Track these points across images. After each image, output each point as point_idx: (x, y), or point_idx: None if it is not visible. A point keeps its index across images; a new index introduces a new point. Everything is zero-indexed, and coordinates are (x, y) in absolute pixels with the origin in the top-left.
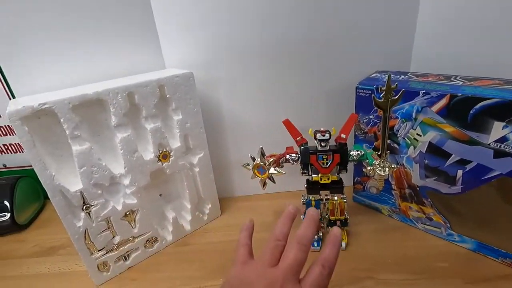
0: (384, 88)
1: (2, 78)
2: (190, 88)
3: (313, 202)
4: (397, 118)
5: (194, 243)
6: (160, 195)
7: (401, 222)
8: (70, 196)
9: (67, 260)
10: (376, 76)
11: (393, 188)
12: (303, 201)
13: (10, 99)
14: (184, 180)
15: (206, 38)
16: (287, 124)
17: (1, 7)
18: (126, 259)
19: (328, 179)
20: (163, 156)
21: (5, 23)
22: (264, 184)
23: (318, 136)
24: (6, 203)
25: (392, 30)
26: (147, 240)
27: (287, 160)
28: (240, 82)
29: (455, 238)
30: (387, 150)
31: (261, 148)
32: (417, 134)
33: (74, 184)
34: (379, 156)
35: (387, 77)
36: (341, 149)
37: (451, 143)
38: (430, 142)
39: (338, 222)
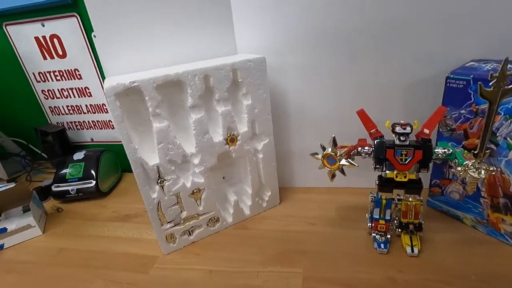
0: (497, 74)
1: (96, 62)
2: (261, 73)
3: (384, 201)
4: (499, 114)
5: (253, 228)
6: (223, 178)
7: (488, 236)
8: (148, 169)
9: (140, 228)
10: (473, 65)
11: (483, 195)
12: (371, 198)
13: (100, 81)
14: (247, 165)
15: (279, 23)
16: (362, 114)
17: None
18: (190, 234)
19: (405, 177)
20: (231, 139)
21: (102, 12)
22: (333, 176)
23: (398, 129)
24: (93, 172)
25: (497, 8)
26: (210, 219)
27: (358, 153)
28: (311, 68)
29: None
30: (487, 150)
31: (334, 137)
32: None
33: (152, 159)
34: (475, 155)
35: (503, 61)
36: (424, 145)
37: None
38: None
39: (411, 226)
